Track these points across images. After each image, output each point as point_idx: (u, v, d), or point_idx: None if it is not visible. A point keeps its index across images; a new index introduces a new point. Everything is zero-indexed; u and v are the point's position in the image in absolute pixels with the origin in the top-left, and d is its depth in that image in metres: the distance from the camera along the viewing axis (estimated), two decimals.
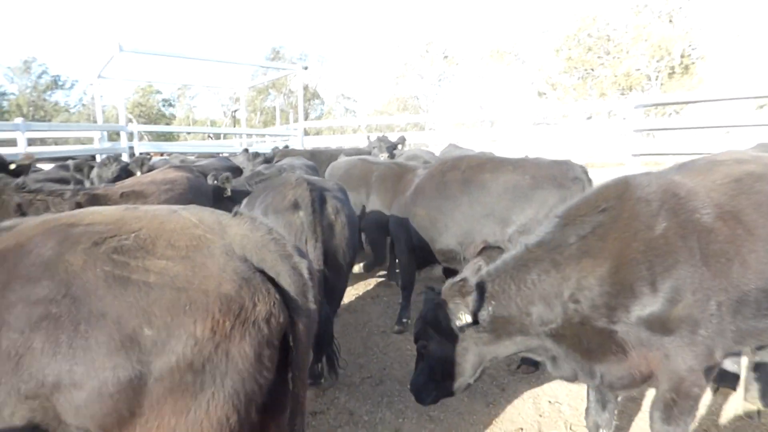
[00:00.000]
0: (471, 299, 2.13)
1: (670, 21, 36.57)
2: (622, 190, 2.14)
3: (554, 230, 2.16)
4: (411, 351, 3.89)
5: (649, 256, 1.94)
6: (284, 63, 42.83)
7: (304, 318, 1.50)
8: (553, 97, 41.31)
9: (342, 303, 4.04)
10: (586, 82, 38.16)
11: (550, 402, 3.19)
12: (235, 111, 42.52)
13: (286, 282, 1.48)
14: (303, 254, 1.60)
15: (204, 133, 26.03)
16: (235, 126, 40.73)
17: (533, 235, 2.25)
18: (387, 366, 3.77)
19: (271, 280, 1.47)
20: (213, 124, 42.87)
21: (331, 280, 3.21)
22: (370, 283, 5.78)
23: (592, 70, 37.72)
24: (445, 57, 43.42)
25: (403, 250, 4.45)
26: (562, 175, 3.58)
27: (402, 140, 6.75)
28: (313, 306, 1.54)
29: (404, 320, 4.40)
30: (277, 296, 1.45)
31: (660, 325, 1.93)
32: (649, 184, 2.12)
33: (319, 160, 7.25)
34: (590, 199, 2.19)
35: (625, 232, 2.01)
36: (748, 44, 32.47)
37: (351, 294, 5.33)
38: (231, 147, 15.51)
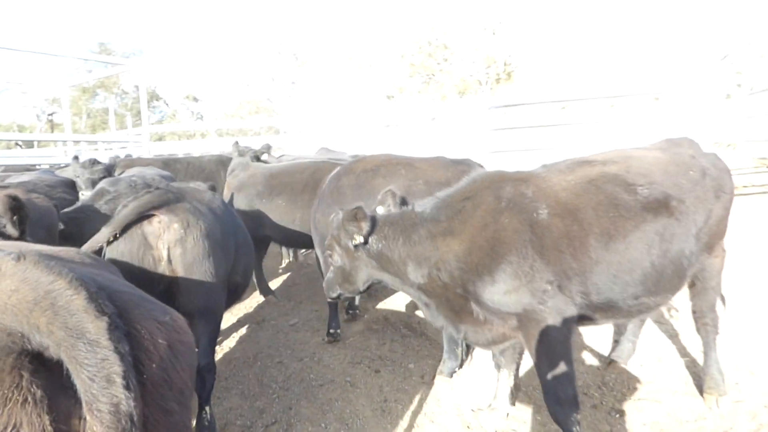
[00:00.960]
0: (364, 225, 2.54)
1: (494, 33, 41.29)
2: (486, 184, 2.51)
3: (434, 207, 2.57)
4: (317, 380, 3.56)
5: (491, 244, 2.30)
6: (114, 59, 37.76)
7: (105, 413, 1.02)
8: (400, 99, 43.62)
9: (221, 332, 3.55)
10: (429, 86, 41.18)
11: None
12: (52, 114, 36.00)
13: (74, 360, 1.02)
14: (113, 313, 1.12)
15: (10, 140, 21.34)
16: (53, 131, 34.45)
17: (419, 205, 2.67)
18: (293, 405, 3.29)
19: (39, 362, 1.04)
20: (22, 129, 35.66)
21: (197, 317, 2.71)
22: (250, 304, 5.25)
23: (434, 75, 40.87)
24: (296, 58, 42.85)
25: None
26: (456, 178, 3.60)
27: (267, 148, 6.22)
28: (125, 394, 1.04)
29: (332, 330, 4.23)
30: (39, 392, 1.01)
31: (502, 300, 2.31)
32: (506, 181, 2.46)
33: (174, 169, 6.36)
34: (462, 188, 2.59)
35: (479, 221, 2.38)
36: (555, 55, 38.43)
37: (229, 320, 4.76)
38: (51, 157, 12.97)
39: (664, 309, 3.66)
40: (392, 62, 43.89)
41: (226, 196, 4.90)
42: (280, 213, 4.68)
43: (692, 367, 3.33)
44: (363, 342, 4.10)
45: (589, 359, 3.57)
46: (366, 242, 2.57)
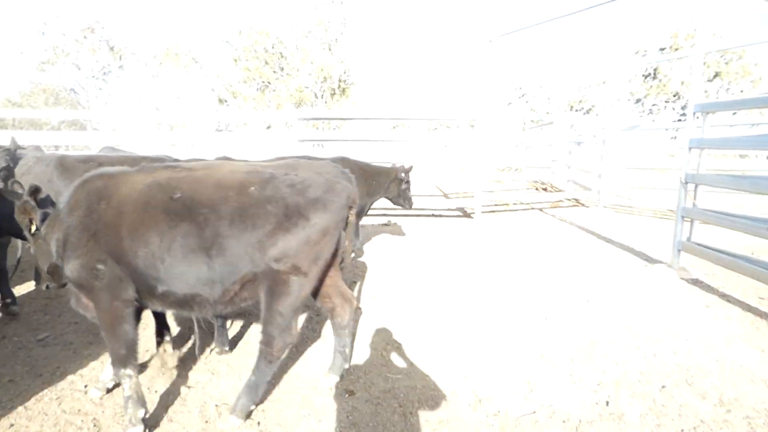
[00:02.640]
0: (35, 216, 2.80)
1: (329, 49, 42.61)
2: (87, 180, 2.83)
3: (65, 202, 2.83)
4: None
5: (68, 231, 2.73)
6: None
7: None
8: (234, 104, 41.95)
9: None
10: (264, 94, 40.42)
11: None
12: None
13: None
14: None
15: None
16: None
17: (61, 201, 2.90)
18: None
19: None
20: None
21: None
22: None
23: (269, 83, 40.30)
24: (111, 48, 37.88)
25: None
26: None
27: (14, 144, 4.87)
28: None
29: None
30: None
31: (74, 279, 2.73)
32: (102, 177, 2.83)
33: None
34: (78, 185, 2.84)
35: (69, 213, 2.75)
36: (388, 74, 41.17)
37: None
38: None
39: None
40: (226, 65, 41.97)
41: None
42: None
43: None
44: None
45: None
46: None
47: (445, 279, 5.01)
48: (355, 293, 4.65)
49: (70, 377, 3.39)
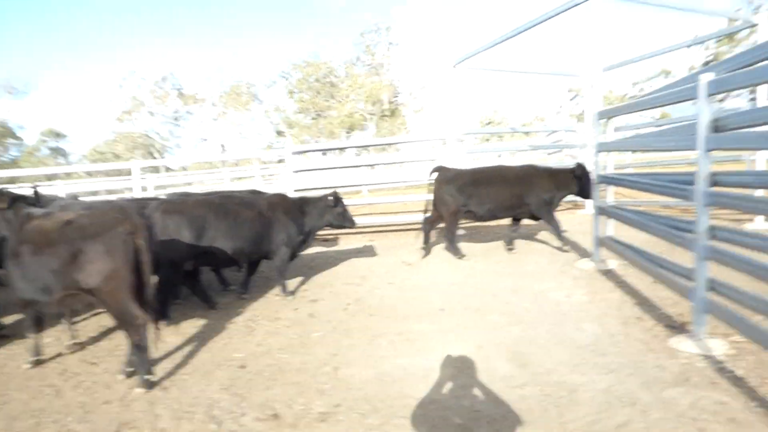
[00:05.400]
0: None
1: (377, 74, 43.93)
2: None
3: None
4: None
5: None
6: None
7: None
8: (290, 134, 44.35)
9: None
10: (318, 122, 42.49)
11: None
12: None
13: None
14: None
15: None
16: None
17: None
18: None
19: None
20: None
21: None
22: None
23: (322, 112, 42.36)
24: (181, 94, 41.98)
25: None
26: None
27: (71, 196, 6.07)
28: None
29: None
30: None
31: None
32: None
33: None
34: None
35: None
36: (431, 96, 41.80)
37: None
38: None
39: None
40: (282, 99, 44.61)
41: None
42: None
43: None
44: None
45: None
46: None
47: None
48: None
49: None
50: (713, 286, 2.75)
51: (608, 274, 4.50)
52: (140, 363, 2.83)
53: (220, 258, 4.16)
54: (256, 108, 44.10)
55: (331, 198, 4.78)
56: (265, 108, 43.59)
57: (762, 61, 2.71)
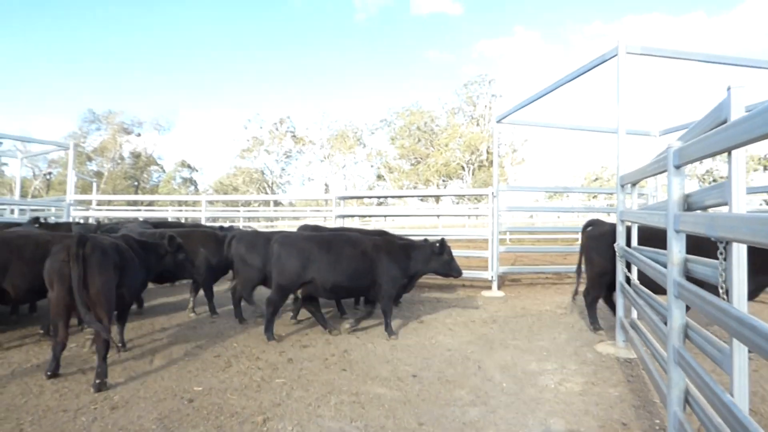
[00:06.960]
0: None
1: (477, 124, 44.07)
2: None
3: None
4: None
5: None
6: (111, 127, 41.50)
7: None
8: (389, 178, 45.74)
9: None
10: (417, 168, 43.49)
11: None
12: (49, 174, 38.86)
13: None
14: None
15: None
16: (48, 191, 36.91)
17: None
18: None
19: None
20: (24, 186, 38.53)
21: None
22: None
23: (421, 158, 43.33)
24: (294, 136, 45.94)
25: None
26: None
27: (141, 223, 7.43)
28: None
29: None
30: None
31: None
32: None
33: None
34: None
35: None
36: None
37: None
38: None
39: None
40: (384, 144, 46.60)
41: None
42: None
43: None
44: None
45: None
46: None
47: None
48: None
49: None
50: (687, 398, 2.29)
51: (626, 363, 3.94)
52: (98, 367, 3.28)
53: (323, 290, 4.60)
54: (360, 152, 46.52)
55: (438, 245, 4.88)
56: (368, 152, 45.86)
57: None
